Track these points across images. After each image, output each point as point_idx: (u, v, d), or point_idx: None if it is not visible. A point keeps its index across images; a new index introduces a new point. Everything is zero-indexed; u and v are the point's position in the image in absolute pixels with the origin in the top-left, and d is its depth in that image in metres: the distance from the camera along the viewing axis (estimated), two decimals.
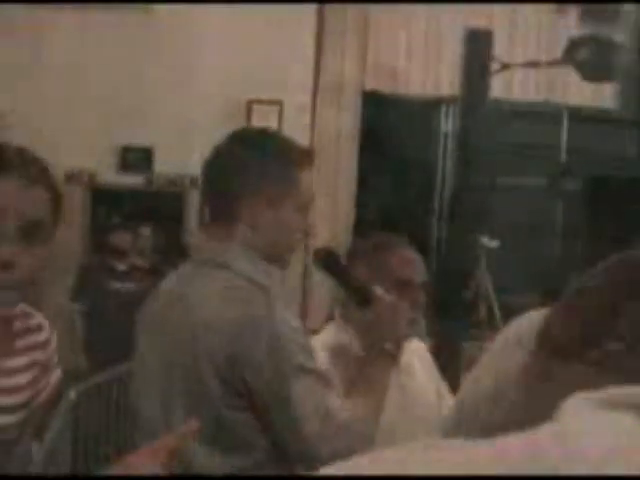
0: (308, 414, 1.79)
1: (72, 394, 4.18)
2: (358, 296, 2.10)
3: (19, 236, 1.46)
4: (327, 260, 2.09)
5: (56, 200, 1.53)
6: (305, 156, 2.00)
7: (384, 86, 7.16)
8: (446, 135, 7.27)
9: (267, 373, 1.77)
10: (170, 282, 1.99)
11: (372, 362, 2.04)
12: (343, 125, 7.00)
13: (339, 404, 1.84)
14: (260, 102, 6.91)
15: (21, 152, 1.51)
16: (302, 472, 1.81)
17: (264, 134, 2.11)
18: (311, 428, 1.79)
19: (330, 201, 7.00)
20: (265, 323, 1.78)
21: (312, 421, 1.79)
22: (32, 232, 1.47)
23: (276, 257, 1.96)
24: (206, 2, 6.86)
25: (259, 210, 1.91)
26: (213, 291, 1.85)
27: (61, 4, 6.77)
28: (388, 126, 7.32)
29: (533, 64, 6.73)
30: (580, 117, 7.34)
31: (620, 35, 7.01)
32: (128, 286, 5.92)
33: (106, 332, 5.53)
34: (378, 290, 2.09)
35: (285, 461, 1.84)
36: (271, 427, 1.81)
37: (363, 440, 1.84)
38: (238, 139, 2.01)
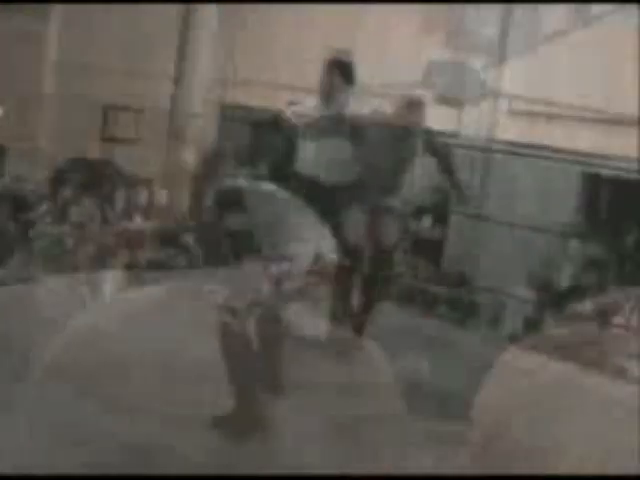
0: None
1: None
2: None
3: None
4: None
5: None
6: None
7: (244, 101, 7.16)
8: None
9: None
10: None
11: None
12: (199, 135, 6.97)
13: None
14: (117, 108, 6.80)
15: None
16: None
17: None
18: None
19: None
20: None
21: None
22: None
23: None
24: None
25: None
26: None
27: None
28: (246, 141, 7.31)
29: (391, 86, 6.84)
30: None
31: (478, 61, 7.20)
32: None
33: None
34: None
35: None
36: None
37: None
38: None
